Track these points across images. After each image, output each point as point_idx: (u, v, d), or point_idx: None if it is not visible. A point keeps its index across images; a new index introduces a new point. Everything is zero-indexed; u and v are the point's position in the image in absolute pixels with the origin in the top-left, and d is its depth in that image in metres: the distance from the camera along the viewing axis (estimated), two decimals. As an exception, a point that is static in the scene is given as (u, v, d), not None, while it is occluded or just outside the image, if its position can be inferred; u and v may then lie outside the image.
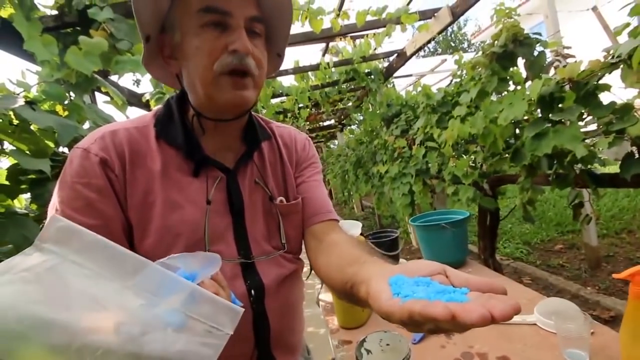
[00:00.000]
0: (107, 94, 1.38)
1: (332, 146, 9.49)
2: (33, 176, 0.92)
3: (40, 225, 0.96)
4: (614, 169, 1.08)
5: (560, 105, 1.09)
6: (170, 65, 0.56)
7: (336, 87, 3.82)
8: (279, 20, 0.58)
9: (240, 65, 0.51)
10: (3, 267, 0.33)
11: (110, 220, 0.51)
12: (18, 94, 1.06)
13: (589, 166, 1.11)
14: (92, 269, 0.35)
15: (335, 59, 3.32)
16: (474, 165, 1.60)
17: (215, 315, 0.36)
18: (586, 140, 1.03)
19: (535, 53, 1.35)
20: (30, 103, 0.97)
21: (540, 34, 1.37)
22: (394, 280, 0.34)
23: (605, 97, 1.02)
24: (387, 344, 0.69)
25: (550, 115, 1.11)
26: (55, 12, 1.47)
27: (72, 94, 1.26)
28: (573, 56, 1.29)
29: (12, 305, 0.30)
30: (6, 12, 1.28)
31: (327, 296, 1.28)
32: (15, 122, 0.92)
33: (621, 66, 0.94)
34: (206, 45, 0.50)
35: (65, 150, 1.06)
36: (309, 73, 3.53)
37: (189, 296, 0.36)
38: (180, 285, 0.36)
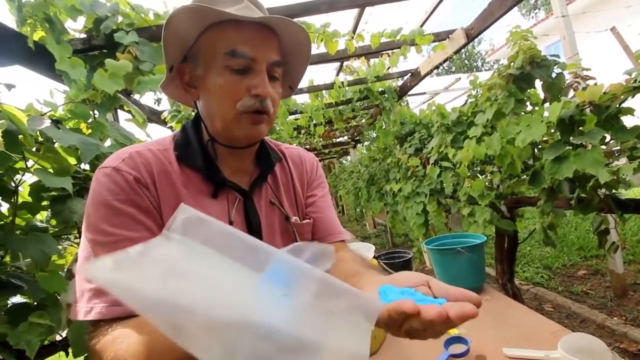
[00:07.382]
0: (129, 112, 1.43)
1: (344, 162, 9.49)
2: (54, 193, 0.94)
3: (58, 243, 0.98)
4: (638, 192, 1.03)
5: (580, 129, 1.06)
6: (189, 92, 0.59)
7: (350, 105, 3.85)
8: (297, 60, 0.62)
9: (261, 107, 0.54)
10: (138, 251, 0.31)
11: (153, 232, 0.51)
12: (45, 113, 1.10)
13: (613, 191, 1.07)
14: (223, 259, 0.33)
15: (349, 78, 3.36)
16: (490, 186, 1.56)
17: (353, 308, 0.33)
18: (610, 165, 0.99)
19: (553, 75, 1.33)
20: (56, 122, 1.01)
21: (558, 56, 1.36)
22: (382, 289, 0.39)
23: (628, 121, 0.99)
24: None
25: (570, 138, 1.08)
26: (83, 36, 1.55)
27: (96, 112, 1.31)
28: (593, 78, 1.26)
29: (156, 293, 0.27)
30: (37, 34, 1.36)
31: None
32: (40, 139, 0.95)
33: (645, 90, 0.91)
34: (230, 86, 0.53)
35: (87, 167, 1.09)
36: (323, 91, 3.58)
37: (323, 288, 0.33)
38: (313, 276, 0.33)
